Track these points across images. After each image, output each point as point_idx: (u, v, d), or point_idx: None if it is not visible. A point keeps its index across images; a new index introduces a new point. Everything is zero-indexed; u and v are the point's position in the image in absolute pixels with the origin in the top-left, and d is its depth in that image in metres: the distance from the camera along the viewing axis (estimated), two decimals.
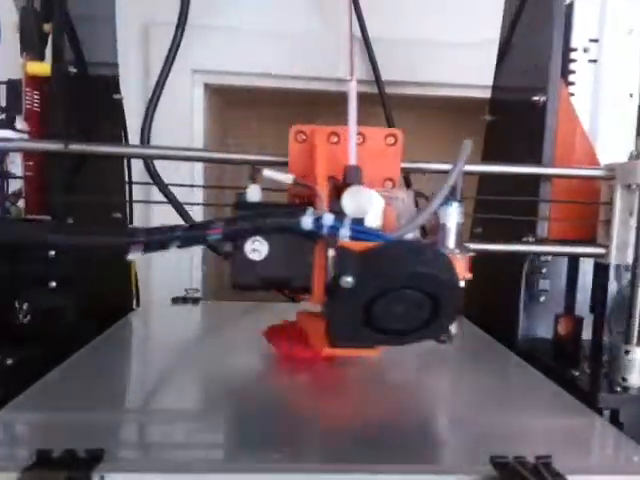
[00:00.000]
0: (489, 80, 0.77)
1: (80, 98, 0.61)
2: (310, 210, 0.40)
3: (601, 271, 0.56)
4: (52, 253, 0.55)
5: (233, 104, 1.16)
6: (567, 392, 0.49)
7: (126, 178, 0.73)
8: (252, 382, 0.51)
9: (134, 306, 0.81)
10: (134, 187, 0.76)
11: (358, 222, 0.41)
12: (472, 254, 0.44)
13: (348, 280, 0.38)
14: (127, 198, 0.75)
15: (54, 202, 0.56)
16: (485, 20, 0.77)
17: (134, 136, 0.69)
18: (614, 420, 0.49)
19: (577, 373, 0.54)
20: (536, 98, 0.59)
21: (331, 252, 0.39)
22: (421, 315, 0.40)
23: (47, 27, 0.58)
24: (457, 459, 0.38)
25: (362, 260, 0.39)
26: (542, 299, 0.61)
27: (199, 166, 1.00)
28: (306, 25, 0.99)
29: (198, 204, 0.87)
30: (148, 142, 0.66)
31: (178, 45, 0.69)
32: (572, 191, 0.59)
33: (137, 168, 0.72)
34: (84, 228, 0.51)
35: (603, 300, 0.56)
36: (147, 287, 0.93)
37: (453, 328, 0.44)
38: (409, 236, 0.42)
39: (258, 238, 0.40)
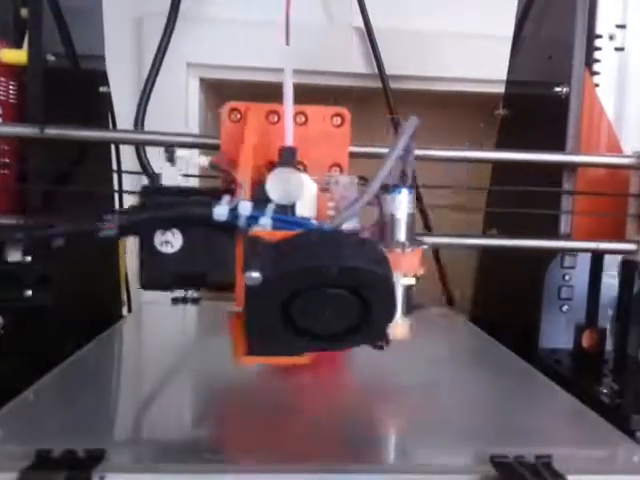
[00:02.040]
0: (502, 74, 0.73)
1: (61, 89, 0.57)
2: (226, 198, 0.34)
3: (629, 271, 0.52)
4: (28, 258, 0.51)
5: (230, 99, 1.13)
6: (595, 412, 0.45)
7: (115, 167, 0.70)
8: (252, 383, 0.49)
9: (125, 312, 0.78)
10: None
11: (287, 211, 0.35)
12: (425, 247, 0.39)
13: (254, 276, 0.32)
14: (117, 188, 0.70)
15: (31, 193, 0.52)
16: (498, 10, 0.73)
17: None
18: None
19: (604, 390, 0.50)
20: (558, 89, 0.55)
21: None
22: (349, 316, 0.34)
23: (25, 12, 0.54)
24: (457, 459, 0.37)
25: (274, 252, 0.33)
26: (565, 308, 0.57)
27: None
28: (306, 17, 0.95)
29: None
30: (144, 149, 0.63)
31: (170, 34, 0.67)
32: (598, 184, 0.55)
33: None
34: None
35: (629, 305, 0.52)
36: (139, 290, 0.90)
37: (403, 330, 0.38)
38: (347, 227, 0.36)
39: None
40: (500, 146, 0.72)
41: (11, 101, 0.53)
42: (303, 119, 0.43)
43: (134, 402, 0.46)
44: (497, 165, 0.70)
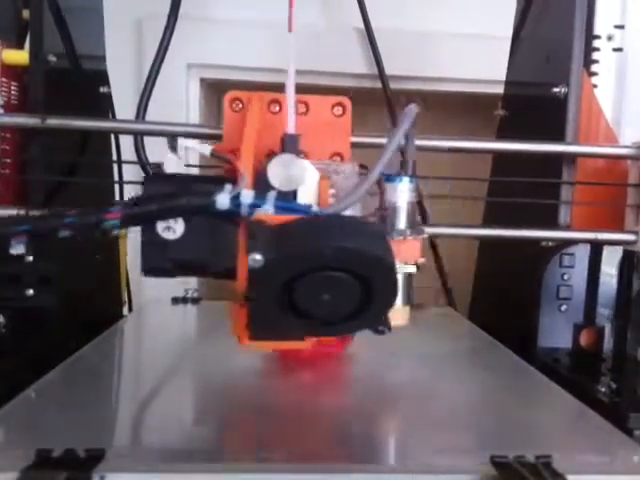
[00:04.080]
0: (501, 75, 0.73)
1: (62, 90, 0.57)
2: (228, 187, 0.34)
3: (629, 264, 0.52)
4: (29, 258, 0.51)
5: None
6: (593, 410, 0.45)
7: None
8: (252, 382, 0.49)
9: (126, 311, 0.78)
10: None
11: (288, 198, 0.35)
12: (425, 236, 0.39)
13: (257, 258, 0.32)
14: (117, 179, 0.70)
15: (32, 183, 0.52)
16: (497, 11, 0.73)
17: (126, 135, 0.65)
18: None
19: (603, 389, 0.50)
20: (556, 90, 0.55)
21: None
22: (350, 301, 0.34)
23: (26, 13, 0.54)
24: (457, 459, 0.37)
25: (276, 235, 0.33)
26: (563, 308, 0.57)
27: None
28: (307, 18, 0.95)
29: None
30: (141, 138, 0.63)
31: (171, 35, 0.66)
32: (597, 177, 0.55)
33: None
34: None
35: (629, 300, 0.52)
36: (141, 289, 0.90)
37: (403, 316, 0.39)
38: (347, 214, 0.36)
39: None
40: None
41: (13, 102, 0.53)
42: (304, 108, 0.43)
43: (134, 402, 0.46)
44: (497, 163, 0.70)
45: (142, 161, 0.59)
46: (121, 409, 0.44)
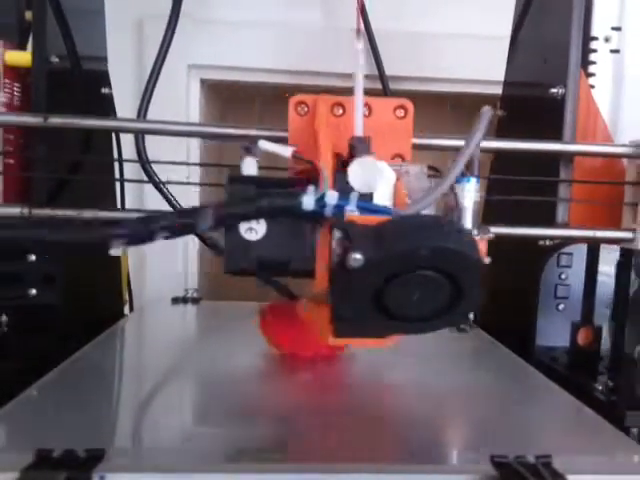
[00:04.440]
0: (500, 75, 0.73)
1: (64, 90, 0.57)
2: (311, 188, 0.35)
3: (626, 262, 0.52)
4: (32, 257, 0.51)
5: (232, 101, 1.13)
6: (590, 408, 0.45)
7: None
8: (252, 382, 0.50)
9: (127, 311, 0.78)
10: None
11: (366, 199, 0.35)
12: (491, 236, 0.40)
13: (357, 257, 0.32)
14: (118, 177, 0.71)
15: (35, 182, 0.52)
16: (498, 12, 0.73)
17: (128, 135, 0.65)
18: None
19: (600, 387, 0.50)
20: (554, 90, 0.56)
21: (337, 232, 0.34)
22: (441, 299, 0.34)
23: (29, 15, 0.54)
24: (457, 459, 0.37)
25: (373, 236, 0.33)
26: (561, 307, 0.58)
27: (196, 150, 0.97)
28: (308, 18, 0.96)
29: (193, 184, 0.85)
30: (143, 139, 0.63)
31: (172, 36, 0.66)
32: (595, 175, 0.55)
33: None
34: (61, 223, 0.46)
35: (626, 299, 0.52)
36: (141, 289, 0.91)
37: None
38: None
39: None
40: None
41: (15, 102, 0.53)
42: (367, 111, 0.43)
43: (135, 401, 0.46)
44: (495, 163, 0.71)
45: (142, 160, 0.59)
46: (121, 409, 0.44)
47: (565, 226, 0.55)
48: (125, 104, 0.74)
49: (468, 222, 0.39)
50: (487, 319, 0.68)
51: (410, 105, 0.44)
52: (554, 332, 0.59)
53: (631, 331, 0.54)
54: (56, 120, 0.49)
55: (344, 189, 0.35)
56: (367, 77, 0.97)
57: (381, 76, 0.92)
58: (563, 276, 0.58)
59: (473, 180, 0.39)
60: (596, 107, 0.57)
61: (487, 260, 0.39)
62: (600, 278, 0.57)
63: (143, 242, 0.35)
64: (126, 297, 0.80)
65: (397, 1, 0.95)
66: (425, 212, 0.37)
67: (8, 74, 0.53)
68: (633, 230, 0.51)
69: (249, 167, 0.38)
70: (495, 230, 0.53)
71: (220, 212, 0.35)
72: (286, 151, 0.39)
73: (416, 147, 0.46)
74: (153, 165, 0.60)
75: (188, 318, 0.75)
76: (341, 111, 0.43)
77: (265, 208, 0.35)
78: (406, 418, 0.43)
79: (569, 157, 0.55)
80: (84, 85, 0.64)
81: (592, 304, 0.57)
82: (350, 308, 0.35)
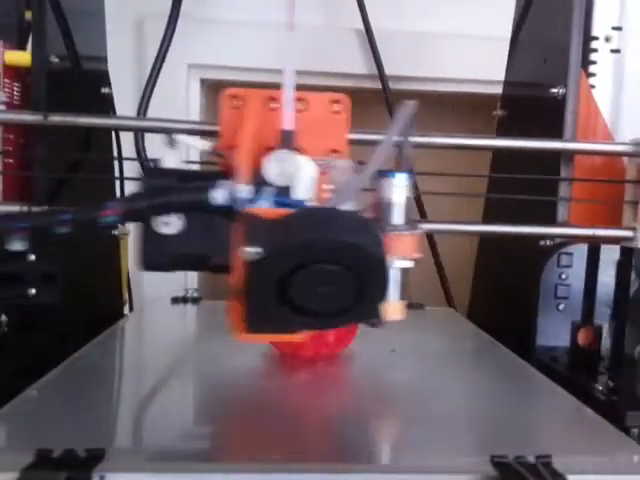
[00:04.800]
0: (499, 75, 0.74)
1: (64, 90, 0.57)
2: (222, 182, 0.34)
3: (626, 262, 0.52)
4: (32, 257, 0.51)
5: None
6: (590, 408, 0.45)
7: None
8: (253, 382, 0.50)
9: (127, 310, 0.78)
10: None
11: (284, 193, 0.35)
12: (420, 232, 0.39)
13: (254, 251, 0.32)
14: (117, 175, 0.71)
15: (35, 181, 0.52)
16: (498, 11, 0.74)
17: (127, 134, 0.65)
18: None
19: (600, 387, 0.50)
20: (554, 90, 0.56)
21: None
22: (344, 294, 0.34)
23: (29, 15, 0.54)
24: (457, 459, 0.37)
25: (273, 228, 0.33)
26: (561, 307, 0.58)
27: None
28: (308, 18, 0.96)
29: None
30: (142, 138, 0.63)
31: (171, 36, 0.67)
32: (595, 174, 0.55)
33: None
34: None
35: (627, 299, 0.52)
36: (140, 289, 0.90)
37: (397, 310, 0.39)
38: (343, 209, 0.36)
39: None
40: (496, 149, 0.72)
41: (15, 102, 0.53)
42: (303, 105, 0.43)
43: (135, 401, 0.46)
44: (495, 163, 0.71)
45: (141, 158, 0.59)
46: (121, 409, 0.44)
47: (565, 224, 0.55)
48: (125, 104, 0.74)
49: (396, 218, 0.38)
50: (487, 319, 0.68)
51: (346, 99, 0.44)
52: (554, 332, 0.59)
53: (631, 331, 0.54)
54: (56, 118, 0.49)
55: (264, 184, 0.35)
56: (368, 77, 0.98)
57: (381, 76, 0.92)
58: (563, 276, 0.58)
59: (402, 175, 0.38)
60: (596, 107, 0.57)
61: (416, 256, 0.39)
62: (600, 278, 0.57)
63: (44, 235, 0.35)
64: (126, 297, 0.80)
65: (398, 1, 0.95)
66: (346, 207, 0.36)
67: (8, 74, 0.52)
68: (633, 229, 0.51)
69: (169, 160, 0.37)
70: (495, 229, 0.53)
71: (127, 206, 0.35)
72: (204, 145, 0.39)
73: (352, 142, 0.46)
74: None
75: (188, 318, 0.75)
76: (276, 105, 0.43)
77: (174, 202, 0.35)
78: (406, 418, 0.43)
79: (569, 156, 0.55)
80: (84, 85, 0.64)
81: (592, 304, 0.57)
82: (257, 303, 0.35)
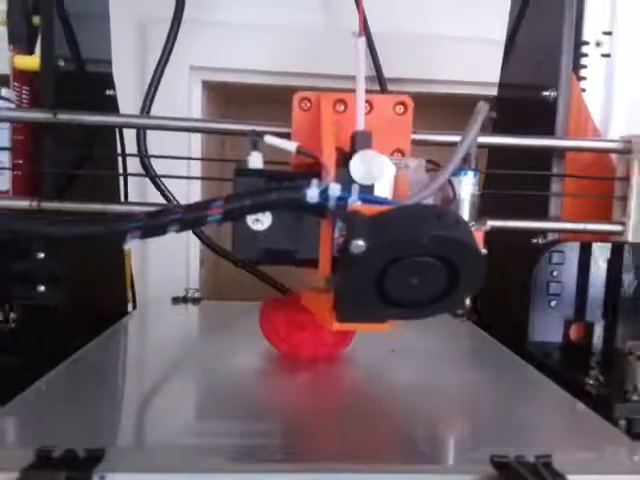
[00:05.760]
0: (495, 77, 0.75)
1: (70, 93, 0.58)
2: (315, 182, 0.36)
3: (617, 258, 0.53)
4: (41, 255, 0.53)
5: (233, 103, 1.14)
6: (581, 402, 0.47)
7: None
8: (253, 382, 0.50)
9: (130, 308, 0.79)
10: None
11: (367, 191, 0.37)
12: (488, 228, 0.41)
13: (359, 244, 0.34)
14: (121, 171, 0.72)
15: (45, 178, 0.54)
16: (492, 14, 0.75)
17: (130, 133, 0.67)
18: (630, 431, 0.46)
19: (591, 381, 0.51)
20: (546, 93, 0.57)
21: (340, 222, 0.36)
22: (438, 285, 0.36)
23: (37, 20, 0.56)
24: (457, 459, 0.37)
25: (374, 223, 0.35)
26: (553, 304, 0.59)
27: (197, 147, 0.98)
28: (309, 20, 0.97)
29: (193, 178, 0.87)
30: (144, 140, 0.65)
31: (174, 38, 0.67)
32: (586, 172, 0.57)
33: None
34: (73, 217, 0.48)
35: (618, 294, 0.53)
36: (143, 288, 0.91)
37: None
38: None
39: None
40: (492, 148, 0.74)
41: (24, 105, 0.55)
42: (368, 108, 0.44)
43: (136, 401, 0.46)
44: (490, 163, 0.72)
45: (141, 154, 0.62)
46: (122, 408, 0.44)
47: (557, 219, 0.57)
48: (128, 106, 0.75)
49: (465, 214, 0.40)
50: (481, 316, 0.69)
51: (410, 101, 0.46)
52: (547, 328, 0.60)
53: (622, 327, 0.55)
54: (65, 116, 0.51)
55: (346, 182, 0.37)
56: (366, 79, 0.98)
57: (379, 78, 0.93)
58: (555, 273, 0.59)
59: (470, 173, 0.40)
60: (587, 110, 0.58)
61: (484, 251, 0.41)
62: (591, 275, 0.58)
63: (156, 235, 0.36)
64: (129, 296, 0.80)
65: (396, 3, 0.96)
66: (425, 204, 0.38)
67: (17, 78, 0.54)
68: (622, 223, 0.52)
69: (256, 161, 0.39)
70: (488, 223, 0.55)
71: (229, 205, 0.36)
72: (291, 146, 0.40)
73: (415, 142, 0.47)
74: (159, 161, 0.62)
75: (189, 318, 0.75)
76: (343, 107, 0.44)
77: (272, 201, 0.37)
78: (405, 418, 0.43)
79: (561, 154, 0.57)
80: (89, 87, 0.65)
81: (584, 301, 0.58)
82: (352, 293, 0.36)
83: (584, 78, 0.58)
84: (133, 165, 0.71)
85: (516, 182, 0.58)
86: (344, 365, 0.53)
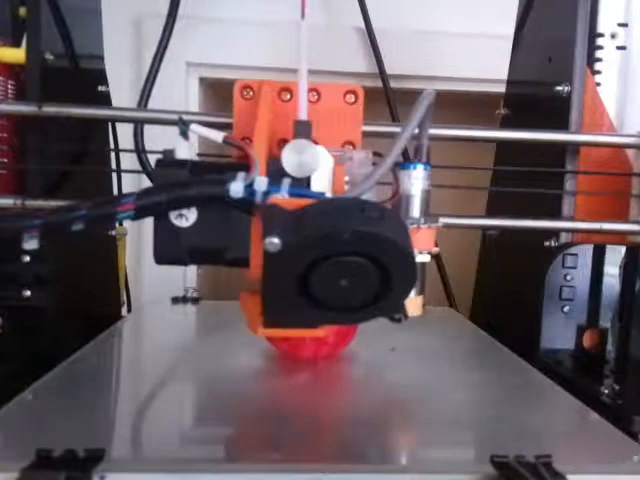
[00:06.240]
0: (502, 74, 0.73)
1: (59, 88, 0.57)
2: (241, 175, 0.33)
3: (631, 262, 0.52)
4: (27, 258, 0.51)
5: (231, 99, 1.12)
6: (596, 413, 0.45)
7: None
8: (252, 383, 0.49)
9: (125, 312, 0.78)
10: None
11: (302, 185, 0.34)
12: (439, 225, 0.38)
13: (274, 242, 0.31)
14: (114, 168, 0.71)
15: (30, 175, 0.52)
16: (501, 9, 0.73)
17: (126, 129, 0.64)
18: None
19: (606, 390, 0.49)
20: (559, 88, 0.55)
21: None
22: (368, 287, 0.33)
23: (23, 11, 0.53)
24: (457, 459, 0.37)
25: (294, 219, 0.32)
26: (566, 309, 0.57)
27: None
28: (309, 16, 0.95)
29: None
30: (141, 137, 0.63)
31: (170, 34, 0.66)
32: (601, 168, 0.55)
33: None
34: None
35: (633, 300, 0.52)
36: (140, 288, 0.90)
37: (416, 306, 0.38)
38: None
39: None
40: (500, 145, 0.72)
41: (10, 100, 0.52)
42: (316, 96, 0.42)
43: (134, 402, 0.46)
44: (499, 159, 0.70)
45: (138, 149, 0.59)
46: (121, 409, 0.44)
47: (571, 219, 0.55)
48: (124, 103, 0.73)
49: (415, 210, 0.38)
50: (491, 320, 0.67)
51: (360, 91, 0.43)
52: (559, 334, 0.58)
53: (638, 333, 0.54)
54: (50, 109, 0.48)
55: (280, 176, 0.34)
56: (369, 75, 0.97)
57: (382, 74, 0.92)
58: (568, 277, 0.57)
59: (420, 167, 0.37)
60: (602, 105, 0.56)
61: (436, 250, 0.38)
62: (606, 279, 0.56)
63: (58, 234, 0.34)
64: (124, 298, 0.79)
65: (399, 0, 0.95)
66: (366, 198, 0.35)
67: (2, 71, 0.52)
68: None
69: (182, 151, 0.36)
70: (500, 223, 0.53)
71: (141, 202, 0.33)
72: (218, 136, 0.37)
73: (366, 134, 0.45)
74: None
75: (188, 318, 0.75)
76: (289, 96, 0.42)
77: (191, 196, 0.33)
78: (405, 418, 0.43)
79: (575, 149, 0.55)
80: (80, 83, 0.64)
81: (598, 306, 0.57)
82: (275, 296, 0.33)
83: (599, 72, 0.56)
84: (128, 161, 0.70)
85: (526, 181, 0.56)
86: (344, 364, 0.53)
